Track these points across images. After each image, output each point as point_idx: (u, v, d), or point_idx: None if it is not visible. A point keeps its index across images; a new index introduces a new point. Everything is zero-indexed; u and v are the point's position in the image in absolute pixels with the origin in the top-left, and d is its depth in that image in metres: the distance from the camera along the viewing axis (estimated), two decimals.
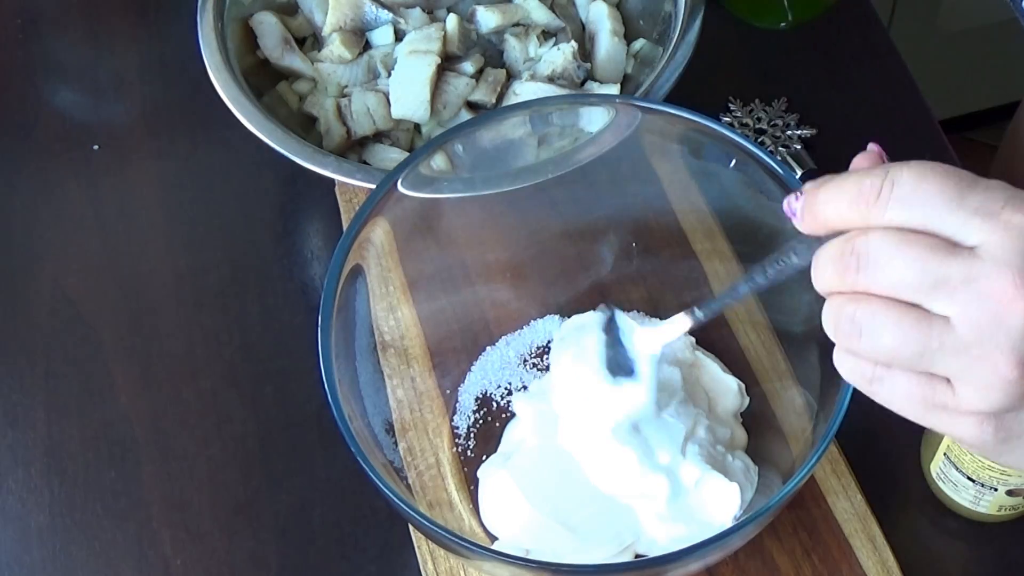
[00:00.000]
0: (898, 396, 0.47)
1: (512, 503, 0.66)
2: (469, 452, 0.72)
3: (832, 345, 0.48)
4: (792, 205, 0.48)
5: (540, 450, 0.67)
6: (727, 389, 0.70)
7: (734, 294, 0.56)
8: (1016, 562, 0.70)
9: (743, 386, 0.71)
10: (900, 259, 0.44)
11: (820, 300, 0.62)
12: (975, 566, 0.71)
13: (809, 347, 0.64)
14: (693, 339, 0.72)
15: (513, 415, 0.72)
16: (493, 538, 0.67)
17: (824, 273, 0.47)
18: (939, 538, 0.71)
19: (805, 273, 0.63)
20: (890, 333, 0.45)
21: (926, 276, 0.44)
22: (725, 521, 0.64)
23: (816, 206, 0.47)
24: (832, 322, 0.47)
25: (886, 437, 0.73)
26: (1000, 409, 0.45)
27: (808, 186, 0.48)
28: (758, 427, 0.70)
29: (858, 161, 0.49)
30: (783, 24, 0.91)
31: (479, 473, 0.69)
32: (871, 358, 0.46)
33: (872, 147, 0.50)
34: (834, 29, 0.92)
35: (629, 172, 0.72)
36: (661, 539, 0.64)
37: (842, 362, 0.48)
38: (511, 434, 0.71)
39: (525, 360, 0.75)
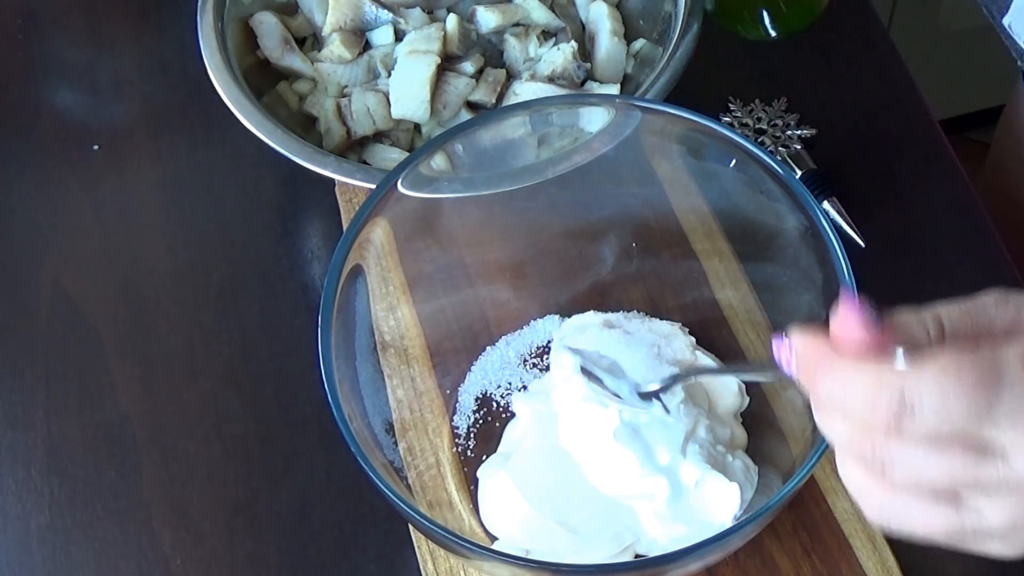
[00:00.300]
0: (924, 536, 0.46)
1: (511, 503, 0.66)
2: (469, 452, 0.72)
3: None
4: (783, 357, 0.45)
5: (539, 450, 0.67)
6: (727, 389, 0.70)
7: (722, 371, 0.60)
8: (1016, 562, 0.70)
9: (743, 386, 0.71)
10: (929, 467, 0.42)
11: (820, 300, 0.62)
12: (975, 566, 0.71)
13: None
14: (693, 339, 0.72)
15: (513, 415, 0.72)
16: (493, 538, 0.67)
17: (838, 443, 0.44)
18: None
19: (804, 274, 0.63)
20: (922, 523, 0.44)
21: (957, 480, 0.43)
22: (725, 521, 0.64)
23: (816, 388, 0.44)
24: (856, 495, 0.45)
25: None
26: None
27: (799, 344, 0.44)
28: (758, 427, 0.70)
29: (843, 327, 0.43)
30: (773, 35, 0.91)
31: (479, 473, 0.69)
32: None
33: (850, 313, 0.43)
34: (834, 29, 0.92)
35: (629, 172, 0.72)
36: (661, 539, 0.64)
37: (868, 515, 0.47)
38: (511, 434, 0.71)
39: (525, 360, 0.75)
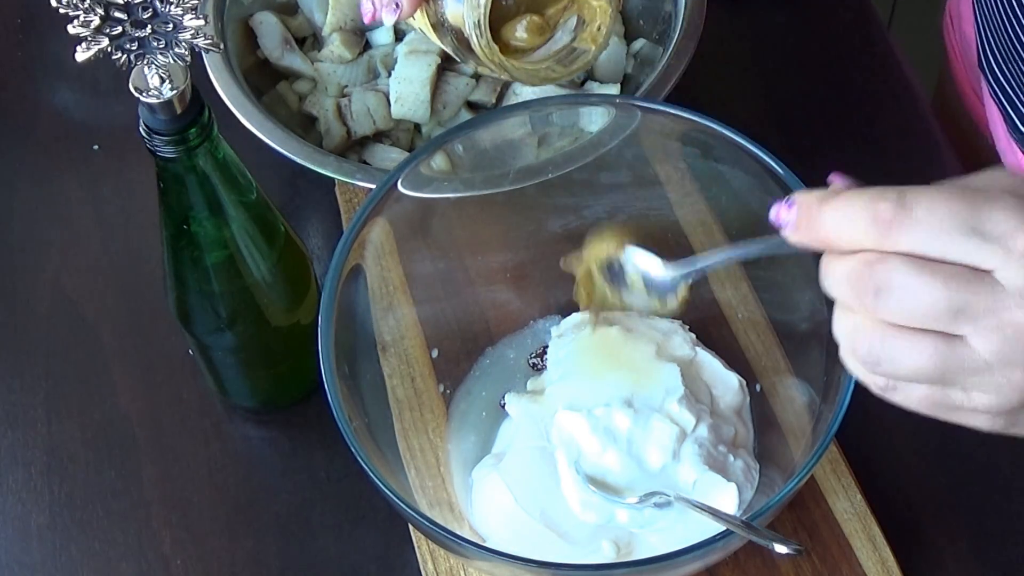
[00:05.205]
0: (912, 401, 0.47)
1: (503, 506, 0.66)
2: None
3: (835, 346, 0.48)
4: (783, 216, 0.47)
5: (532, 451, 0.67)
6: (728, 386, 0.70)
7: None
8: (1016, 562, 0.70)
9: (744, 382, 0.70)
10: (920, 289, 0.44)
11: (820, 299, 0.62)
12: (976, 565, 0.71)
13: (810, 345, 0.64)
14: (693, 335, 0.72)
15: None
16: None
17: (838, 288, 0.46)
18: (939, 538, 0.71)
19: (804, 274, 0.63)
20: (910, 361, 0.45)
21: (947, 305, 0.44)
22: None
23: (820, 224, 0.46)
24: (848, 346, 0.47)
25: (886, 437, 0.73)
26: (1013, 409, 0.46)
27: (800, 197, 0.47)
28: (759, 426, 0.70)
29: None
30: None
31: (473, 474, 0.69)
32: (889, 377, 0.47)
33: (837, 182, 0.48)
34: (834, 29, 0.92)
35: (629, 172, 0.72)
36: (659, 542, 0.64)
37: (856, 371, 0.48)
38: (504, 434, 0.71)
39: (525, 360, 0.75)
